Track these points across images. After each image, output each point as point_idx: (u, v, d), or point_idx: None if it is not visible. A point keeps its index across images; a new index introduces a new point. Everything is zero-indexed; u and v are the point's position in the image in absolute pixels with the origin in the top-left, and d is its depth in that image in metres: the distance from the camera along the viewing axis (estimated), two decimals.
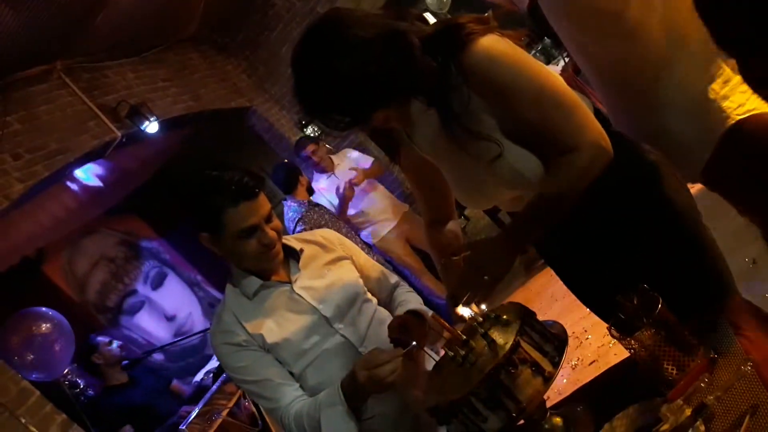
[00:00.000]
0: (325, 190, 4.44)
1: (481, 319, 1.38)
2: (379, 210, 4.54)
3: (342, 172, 4.43)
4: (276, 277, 1.61)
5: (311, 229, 3.93)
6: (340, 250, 1.72)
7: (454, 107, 1.29)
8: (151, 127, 4.09)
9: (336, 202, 4.35)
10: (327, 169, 4.44)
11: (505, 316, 1.33)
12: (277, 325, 1.56)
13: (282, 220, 4.31)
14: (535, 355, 1.24)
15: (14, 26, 2.78)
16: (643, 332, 1.17)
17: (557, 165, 1.28)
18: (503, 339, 1.25)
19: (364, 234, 4.56)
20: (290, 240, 1.68)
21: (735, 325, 1.19)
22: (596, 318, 1.57)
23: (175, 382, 4.24)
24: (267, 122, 5.35)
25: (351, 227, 4.41)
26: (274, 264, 1.58)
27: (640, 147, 1.41)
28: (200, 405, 3.24)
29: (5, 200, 3.16)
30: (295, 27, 5.15)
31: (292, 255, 1.64)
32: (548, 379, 1.22)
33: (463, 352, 1.32)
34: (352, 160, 4.53)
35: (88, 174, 4.40)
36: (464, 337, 1.38)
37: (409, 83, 1.26)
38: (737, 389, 1.06)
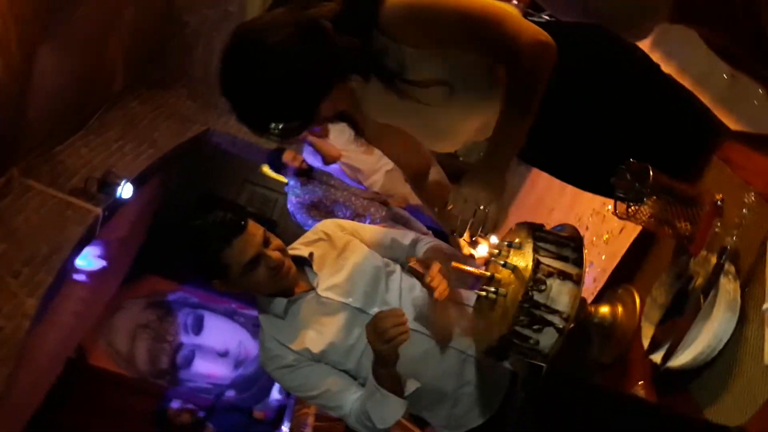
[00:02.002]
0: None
1: (496, 251, 1.41)
2: (371, 160, 4.52)
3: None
4: (298, 289, 1.63)
5: (312, 214, 3.96)
6: (344, 235, 1.73)
7: (392, 68, 1.28)
8: (125, 190, 4.09)
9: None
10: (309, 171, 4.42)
11: (516, 240, 1.36)
12: (317, 334, 1.59)
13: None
14: (558, 264, 1.26)
15: None
16: (646, 204, 1.19)
17: (507, 77, 1.28)
18: (523, 262, 1.28)
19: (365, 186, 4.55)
20: (297, 249, 1.69)
21: (728, 160, 1.21)
22: None
23: (255, 410, 4.33)
24: (229, 135, 5.32)
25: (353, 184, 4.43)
26: (290, 279, 1.59)
27: (582, 26, 1.41)
28: (286, 423, 3.32)
29: (25, 319, 3.21)
30: (215, 35, 5.06)
31: (304, 262, 1.65)
32: (578, 282, 1.25)
33: (492, 289, 1.35)
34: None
35: (89, 259, 4.42)
36: (488, 274, 1.41)
37: (337, 67, 1.25)
38: (749, 221, 1.09)
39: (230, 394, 4.99)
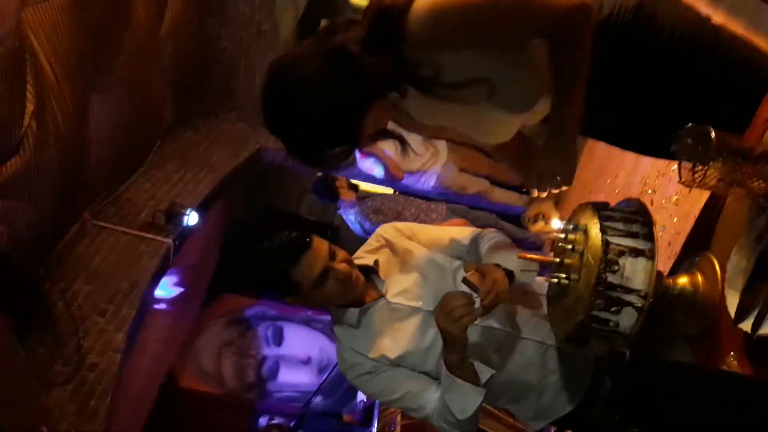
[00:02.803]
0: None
1: (563, 235, 1.38)
2: (422, 158, 4.51)
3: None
4: (368, 297, 1.64)
5: (377, 218, 3.98)
6: (403, 239, 1.73)
7: (427, 76, 1.27)
8: (192, 218, 4.21)
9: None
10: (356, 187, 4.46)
11: (582, 221, 1.32)
12: (392, 340, 1.60)
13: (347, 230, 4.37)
14: (628, 242, 1.22)
15: (35, 217, 2.93)
16: (713, 169, 1.14)
17: (551, 49, 1.29)
18: (592, 244, 1.25)
19: (421, 183, 4.55)
20: (361, 257, 1.71)
21: None
22: None
23: (345, 414, 4.39)
24: (282, 151, 5.36)
25: (407, 186, 4.44)
26: (360, 289, 1.61)
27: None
28: (374, 425, 3.35)
29: (116, 353, 3.36)
30: (253, 55, 5.15)
31: (371, 270, 1.67)
32: (651, 257, 1.21)
33: (563, 275, 1.32)
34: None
35: (167, 288, 4.58)
36: (557, 260, 1.38)
37: (371, 88, 1.26)
38: None
39: (318, 400, 5.08)
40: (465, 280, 1.43)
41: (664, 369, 0.97)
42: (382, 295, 1.64)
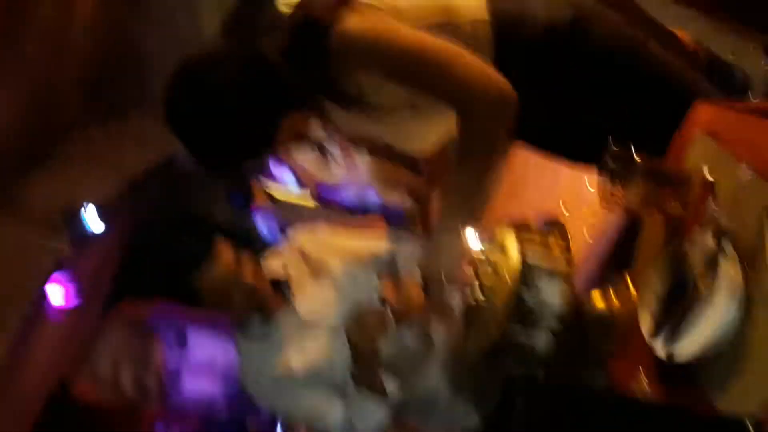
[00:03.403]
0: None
1: (481, 257, 1.34)
2: (351, 170, 4.44)
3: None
4: (276, 308, 1.56)
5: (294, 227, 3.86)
6: (318, 247, 1.66)
7: (349, 94, 1.22)
8: (93, 221, 3.96)
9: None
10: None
11: (499, 240, 1.29)
12: (298, 352, 1.53)
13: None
14: (546, 263, 1.20)
15: None
16: (632, 189, 1.13)
17: (459, 129, 1.24)
18: (508, 264, 1.21)
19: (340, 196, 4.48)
20: (270, 267, 1.62)
21: (714, 134, 1.14)
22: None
23: (249, 421, 4.22)
24: None
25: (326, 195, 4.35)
26: (267, 300, 1.53)
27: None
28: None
29: None
30: (171, 55, 4.95)
31: (281, 282, 1.58)
32: (568, 278, 1.19)
33: (479, 293, 1.28)
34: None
35: (61, 295, 4.27)
36: (473, 277, 1.34)
37: (288, 101, 1.20)
38: (744, 198, 1.02)
39: (222, 407, 4.87)
40: (379, 297, 1.38)
41: (576, 393, 0.94)
42: (291, 306, 1.56)
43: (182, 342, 5.59)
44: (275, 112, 1.20)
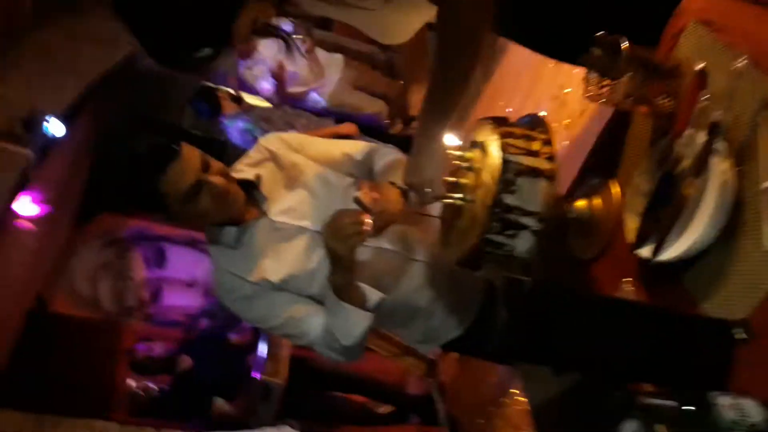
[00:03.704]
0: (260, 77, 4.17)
1: (459, 153, 1.28)
2: (314, 69, 4.27)
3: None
4: (248, 215, 1.48)
5: (267, 127, 3.74)
6: (290, 153, 1.57)
7: None
8: (54, 127, 3.80)
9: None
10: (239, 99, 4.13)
11: (479, 138, 1.22)
12: (275, 262, 1.46)
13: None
14: (528, 161, 1.13)
15: None
16: (620, 81, 1.05)
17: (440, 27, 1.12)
18: (489, 162, 1.15)
19: (312, 101, 4.34)
20: (241, 171, 1.53)
21: (708, 22, 1.06)
22: (567, 69, 1.46)
23: (233, 336, 4.28)
24: None
25: (296, 103, 4.21)
26: (238, 206, 1.45)
27: None
28: (262, 343, 3.28)
29: None
30: None
31: (252, 186, 1.50)
32: (551, 177, 1.13)
33: (458, 195, 1.23)
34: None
35: (29, 205, 4.16)
36: (452, 180, 1.28)
37: None
38: (740, 90, 0.96)
39: (203, 322, 4.91)
40: (356, 200, 1.31)
41: (562, 297, 0.90)
42: (265, 213, 1.48)
43: (160, 260, 5.54)
44: None
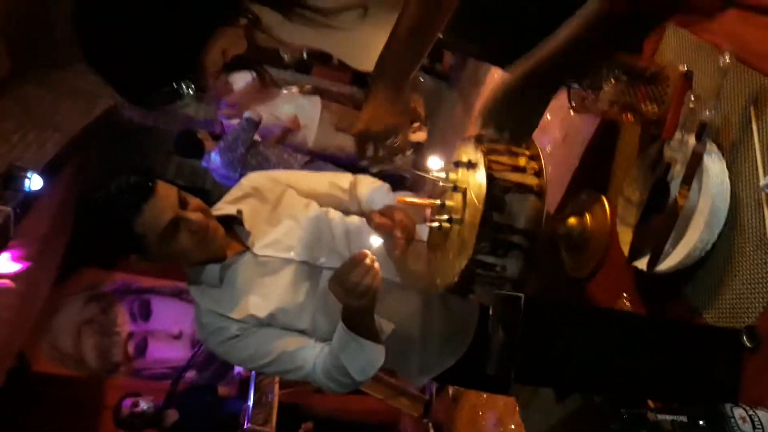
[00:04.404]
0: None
1: (443, 175, 1.24)
2: (292, 114, 4.26)
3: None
4: (231, 251, 1.44)
5: (253, 166, 3.70)
6: (275, 187, 1.54)
7: None
8: (34, 183, 3.74)
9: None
10: (234, 102, 4.09)
11: (463, 159, 1.19)
12: (260, 297, 1.41)
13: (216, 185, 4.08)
14: (514, 177, 1.10)
15: None
16: (603, 90, 1.03)
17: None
18: (475, 181, 1.11)
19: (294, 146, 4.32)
20: (222, 208, 1.49)
21: (688, 25, 1.04)
22: None
23: (220, 387, 4.17)
24: (140, 107, 4.95)
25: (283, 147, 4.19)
26: (218, 242, 1.40)
27: None
28: (251, 396, 3.17)
29: None
30: None
31: (233, 221, 1.46)
32: (540, 193, 1.09)
33: (445, 217, 1.19)
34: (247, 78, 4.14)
35: (9, 263, 4.07)
36: (438, 202, 1.25)
37: (212, 12, 1.05)
38: (727, 88, 0.93)
39: (191, 375, 4.79)
40: (377, 227, 1.29)
41: (560, 312, 0.85)
42: (248, 248, 1.44)
43: (146, 313, 5.42)
44: (196, 27, 1.05)
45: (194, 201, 1.37)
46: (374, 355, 1.30)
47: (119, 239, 1.34)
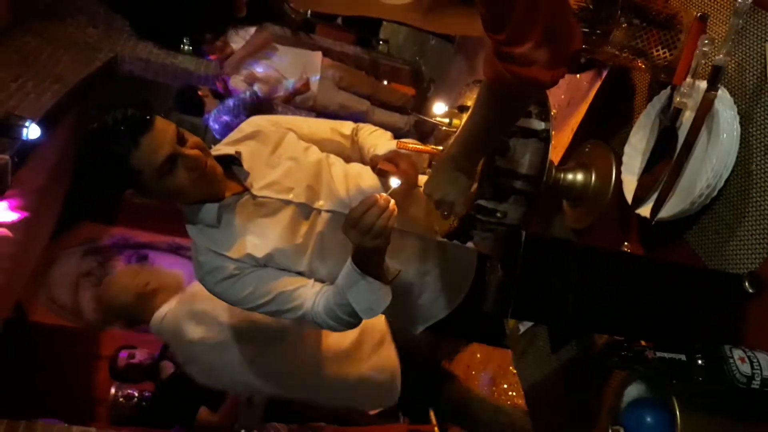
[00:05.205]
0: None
1: (447, 120, 1.22)
2: (296, 69, 4.20)
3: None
4: (229, 192, 1.41)
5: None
6: (277, 130, 1.51)
7: None
8: (32, 131, 3.69)
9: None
10: (235, 62, 4.02)
11: (468, 102, 1.16)
12: (259, 237, 1.39)
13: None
14: (520, 121, 1.07)
15: None
16: (615, 32, 1.00)
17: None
18: None
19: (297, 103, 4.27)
20: (221, 149, 1.47)
21: None
22: None
23: None
24: (141, 60, 4.88)
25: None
26: (217, 182, 1.38)
27: None
28: None
29: None
30: None
31: (232, 162, 1.43)
32: (545, 138, 1.07)
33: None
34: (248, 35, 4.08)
35: (7, 212, 4.05)
36: (440, 148, 1.23)
37: None
38: (743, 32, 0.91)
39: None
40: (380, 171, 1.27)
41: (561, 249, 0.83)
42: (246, 189, 1.41)
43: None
44: None
45: (193, 138, 1.33)
46: (382, 295, 1.29)
47: (115, 173, 1.30)
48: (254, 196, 1.39)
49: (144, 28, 1.03)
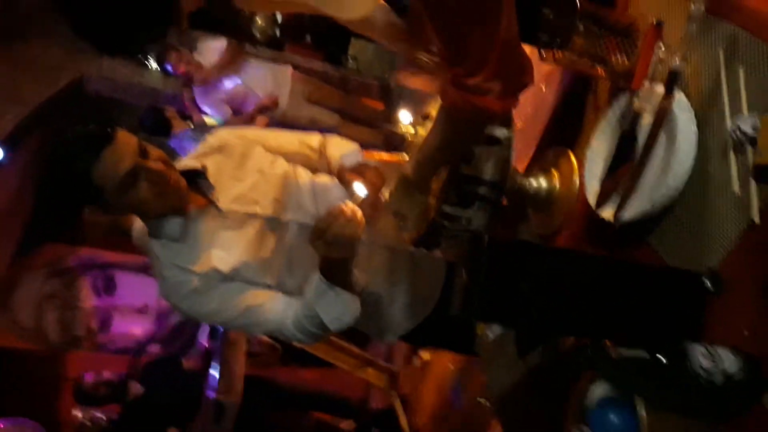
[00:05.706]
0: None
1: (412, 131, 1.23)
2: (263, 84, 4.18)
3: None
4: (194, 205, 1.39)
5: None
6: (242, 143, 1.49)
7: None
8: None
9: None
10: (204, 76, 3.97)
11: (432, 112, 1.17)
12: (224, 251, 1.37)
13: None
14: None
15: None
16: (574, 41, 1.02)
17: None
18: None
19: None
20: (186, 163, 1.45)
21: None
22: None
23: (184, 361, 4.11)
24: (107, 80, 4.82)
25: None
26: (181, 195, 1.35)
27: None
28: (215, 366, 3.15)
29: None
30: None
31: (197, 176, 1.41)
32: (508, 145, 1.09)
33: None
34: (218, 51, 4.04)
35: None
36: (406, 157, 1.24)
37: None
38: (697, 37, 0.93)
39: (156, 349, 4.73)
40: (347, 183, 1.31)
41: (524, 252, 0.84)
42: (212, 202, 1.39)
43: (110, 287, 5.29)
44: None
45: (156, 152, 1.32)
46: (350, 305, 1.28)
47: (78, 187, 1.28)
48: (220, 210, 1.38)
49: (84, 33, 1.04)
